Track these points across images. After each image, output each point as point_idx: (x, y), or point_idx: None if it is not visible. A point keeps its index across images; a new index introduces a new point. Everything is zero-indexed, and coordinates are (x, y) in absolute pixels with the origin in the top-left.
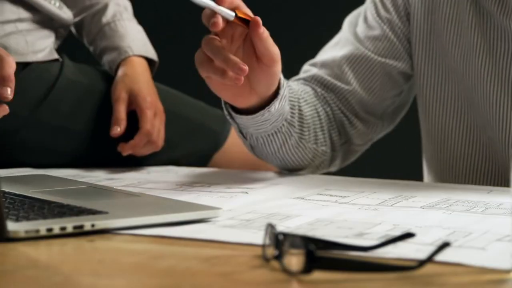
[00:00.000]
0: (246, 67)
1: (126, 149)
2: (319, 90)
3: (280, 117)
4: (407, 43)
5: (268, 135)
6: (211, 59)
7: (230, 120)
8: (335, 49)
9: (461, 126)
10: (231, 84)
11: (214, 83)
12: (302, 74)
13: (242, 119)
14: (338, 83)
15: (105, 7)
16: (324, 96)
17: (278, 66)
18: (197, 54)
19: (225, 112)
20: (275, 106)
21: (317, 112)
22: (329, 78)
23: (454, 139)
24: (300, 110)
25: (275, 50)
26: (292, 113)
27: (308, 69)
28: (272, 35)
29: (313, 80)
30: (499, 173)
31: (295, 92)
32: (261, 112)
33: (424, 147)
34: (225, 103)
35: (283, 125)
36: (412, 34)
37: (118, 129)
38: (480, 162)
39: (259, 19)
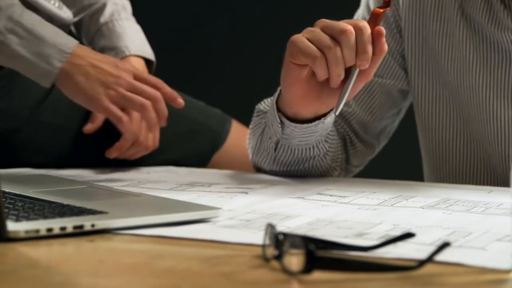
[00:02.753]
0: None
1: (111, 152)
2: None
3: (325, 131)
4: (401, 60)
5: (306, 149)
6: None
7: (277, 128)
8: None
9: (459, 141)
10: (310, 81)
11: (296, 73)
12: None
13: (295, 128)
14: None
15: (103, 7)
16: None
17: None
18: (308, 42)
19: (277, 120)
20: (330, 118)
21: (336, 131)
22: None
23: (452, 154)
24: (331, 129)
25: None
26: (331, 130)
27: None
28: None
29: None
30: (498, 186)
31: None
32: (316, 122)
33: (424, 161)
34: (278, 111)
35: (321, 140)
36: (405, 49)
37: (89, 126)
38: (478, 176)
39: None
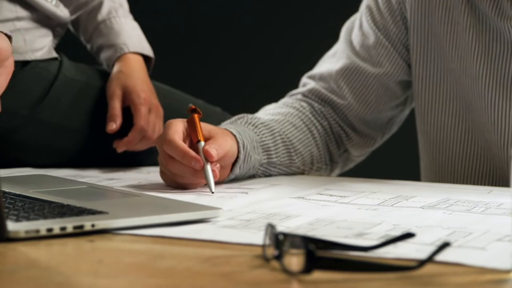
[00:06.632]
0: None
1: (120, 146)
2: (316, 105)
3: (250, 169)
4: (402, 49)
5: (253, 174)
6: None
7: None
8: (332, 61)
9: (459, 128)
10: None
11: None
12: (301, 88)
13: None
14: (335, 98)
15: (100, 4)
16: (322, 111)
17: (232, 159)
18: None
19: None
20: (236, 171)
21: (310, 132)
22: (326, 92)
23: (452, 141)
24: (284, 142)
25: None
26: (268, 155)
27: (306, 82)
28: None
29: (310, 95)
30: (497, 175)
31: (275, 128)
32: (229, 175)
33: (422, 149)
34: None
35: (259, 169)
36: (409, 37)
37: (113, 125)
38: (478, 164)
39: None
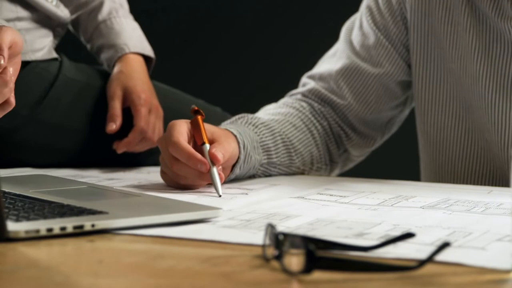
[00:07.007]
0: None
1: (120, 147)
2: (316, 105)
3: (250, 169)
4: (402, 49)
5: (253, 174)
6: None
7: None
8: (332, 61)
9: (459, 128)
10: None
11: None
12: (301, 88)
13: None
14: (335, 98)
15: (100, 5)
16: (322, 111)
17: (233, 161)
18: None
19: None
20: (236, 171)
21: (310, 132)
22: (326, 92)
23: (452, 141)
24: (284, 142)
25: (229, 164)
26: (268, 155)
27: (306, 82)
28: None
29: (310, 95)
30: (497, 175)
31: (275, 128)
32: (229, 175)
33: (422, 149)
34: None
35: (259, 169)
36: (410, 37)
37: (113, 126)
38: (478, 165)
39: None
